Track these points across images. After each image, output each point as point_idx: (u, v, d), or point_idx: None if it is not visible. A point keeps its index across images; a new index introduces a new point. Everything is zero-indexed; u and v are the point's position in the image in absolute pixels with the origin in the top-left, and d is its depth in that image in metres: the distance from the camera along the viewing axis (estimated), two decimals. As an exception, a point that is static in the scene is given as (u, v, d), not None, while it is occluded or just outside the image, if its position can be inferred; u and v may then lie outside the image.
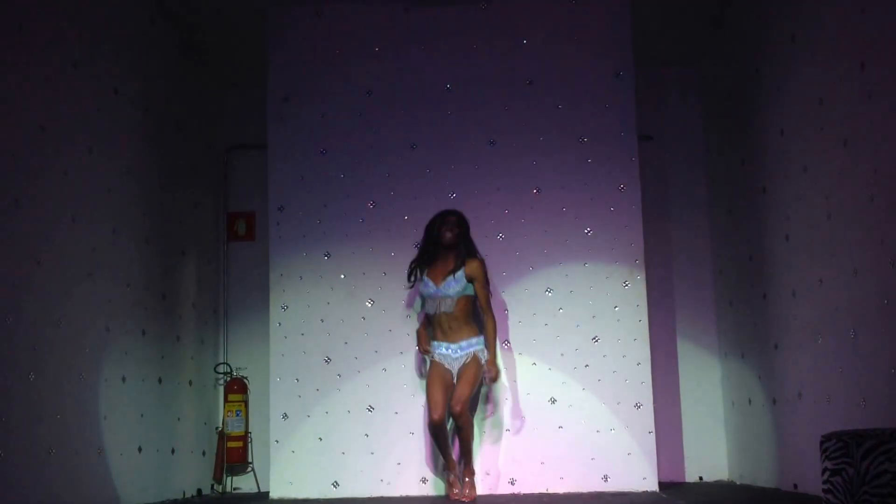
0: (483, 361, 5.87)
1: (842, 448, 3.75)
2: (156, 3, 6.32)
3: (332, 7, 6.55)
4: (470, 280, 5.90)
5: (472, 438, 5.93)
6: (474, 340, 5.91)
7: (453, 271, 5.90)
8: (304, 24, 6.55)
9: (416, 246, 6.14)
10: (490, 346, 5.91)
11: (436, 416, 5.72)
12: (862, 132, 4.67)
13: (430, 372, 5.90)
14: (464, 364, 5.87)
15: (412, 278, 6.04)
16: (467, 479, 5.88)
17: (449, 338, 5.91)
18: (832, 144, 5.01)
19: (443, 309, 5.88)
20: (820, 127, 5.18)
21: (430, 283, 5.94)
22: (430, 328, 6.02)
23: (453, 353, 5.90)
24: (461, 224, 6.00)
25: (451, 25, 6.52)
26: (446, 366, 5.89)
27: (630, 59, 6.44)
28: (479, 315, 5.97)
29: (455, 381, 5.85)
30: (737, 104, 6.63)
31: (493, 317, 5.96)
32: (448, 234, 5.95)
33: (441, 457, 5.95)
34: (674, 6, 6.65)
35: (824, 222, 5.15)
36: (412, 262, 6.06)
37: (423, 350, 5.99)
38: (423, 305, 6.07)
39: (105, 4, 5.62)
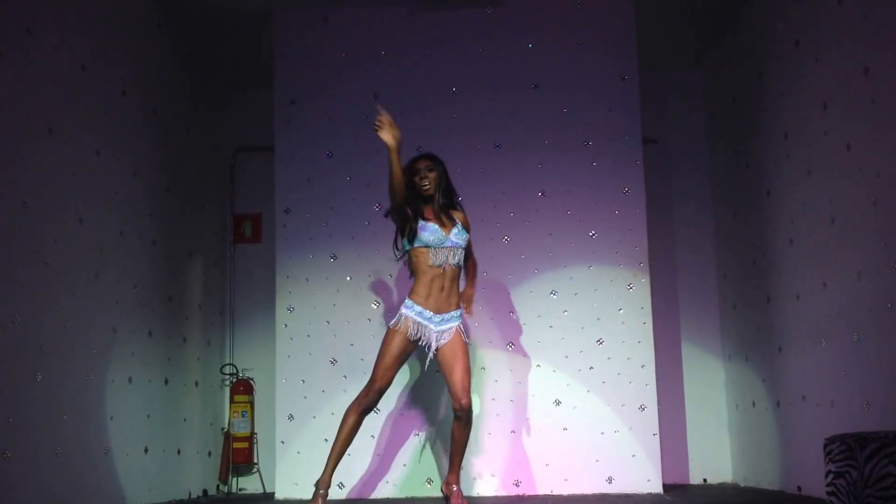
0: (464, 336, 5.19)
1: (845, 451, 3.76)
2: (163, 6, 6.35)
3: (339, 11, 6.58)
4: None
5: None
6: (456, 314, 5.21)
7: (452, 222, 5.20)
8: (311, 28, 6.58)
9: (397, 259, 5.38)
10: (472, 282, 5.40)
11: (377, 386, 5.09)
12: (865, 136, 4.69)
13: (392, 337, 5.12)
14: (446, 342, 5.14)
15: (402, 241, 5.20)
16: (455, 489, 5.31)
17: (440, 303, 5.13)
18: (836, 148, 5.02)
19: (452, 262, 5.14)
20: (823, 131, 5.19)
21: (439, 230, 5.13)
22: (415, 286, 5.20)
23: (435, 325, 5.14)
24: (436, 168, 5.24)
25: (456, 29, 6.54)
26: (413, 337, 5.11)
27: (635, 63, 6.46)
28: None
29: (410, 358, 5.21)
30: (741, 108, 6.64)
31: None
32: (426, 185, 5.21)
33: (334, 457, 5.14)
34: (678, 10, 6.67)
35: (828, 226, 5.16)
36: (400, 226, 5.21)
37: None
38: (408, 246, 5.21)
39: (113, 8, 5.65)
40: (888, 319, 4.45)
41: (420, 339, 5.14)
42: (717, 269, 7.28)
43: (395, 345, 5.12)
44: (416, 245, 5.15)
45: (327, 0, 6.54)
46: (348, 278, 6.38)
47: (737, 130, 6.74)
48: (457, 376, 5.11)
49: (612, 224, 6.34)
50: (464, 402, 5.09)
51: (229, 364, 7.30)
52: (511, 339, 6.28)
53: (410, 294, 5.18)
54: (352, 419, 5.14)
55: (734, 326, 6.94)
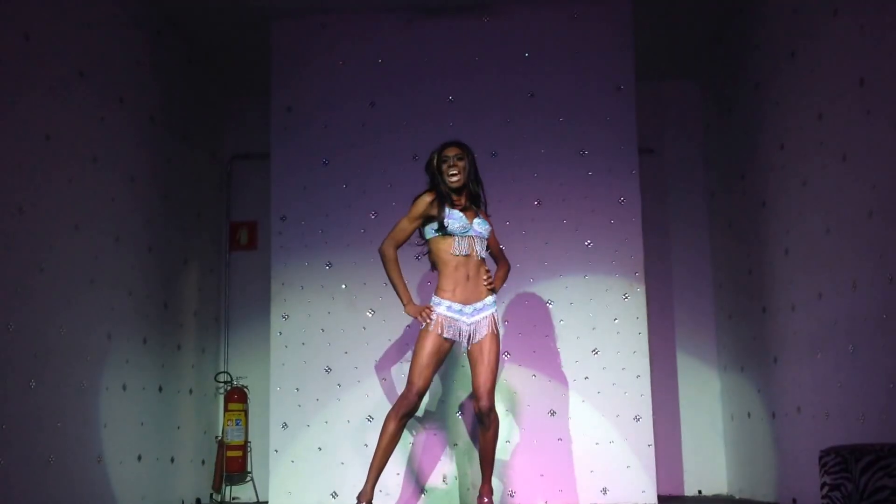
0: (497, 326, 4.96)
1: (840, 463, 3.76)
2: (161, 13, 6.35)
3: (336, 18, 6.58)
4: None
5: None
6: (489, 301, 4.96)
7: (476, 212, 5.00)
8: (308, 36, 6.59)
9: (417, 257, 5.64)
10: (500, 277, 5.16)
11: (415, 388, 4.78)
12: (861, 147, 4.69)
13: (424, 336, 4.85)
14: (478, 338, 4.89)
15: (440, 214, 4.89)
16: (486, 500, 5.06)
17: (468, 293, 4.88)
18: (831, 159, 5.03)
19: (476, 252, 4.90)
20: (819, 142, 5.20)
21: (463, 217, 4.89)
22: (440, 281, 4.97)
23: (467, 316, 4.89)
24: (465, 156, 4.97)
25: (453, 38, 6.55)
26: (448, 334, 4.85)
27: (631, 73, 6.46)
28: None
29: (447, 357, 4.94)
30: (737, 118, 6.65)
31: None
32: (454, 178, 4.93)
33: (375, 468, 4.88)
34: (675, 21, 6.69)
35: (823, 236, 5.17)
36: (434, 199, 4.92)
37: (423, 310, 4.89)
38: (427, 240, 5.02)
39: (111, 15, 5.65)
40: (883, 330, 4.45)
41: (454, 336, 4.87)
42: (713, 279, 7.28)
43: (429, 343, 4.83)
44: (439, 234, 4.91)
45: (325, 8, 6.55)
46: (343, 286, 6.38)
47: (732, 141, 6.76)
48: (480, 376, 4.86)
49: (608, 234, 6.34)
50: (482, 403, 4.84)
51: (224, 372, 7.29)
52: (506, 348, 6.27)
53: (436, 290, 4.93)
54: (391, 426, 4.83)
55: (729, 337, 6.94)
